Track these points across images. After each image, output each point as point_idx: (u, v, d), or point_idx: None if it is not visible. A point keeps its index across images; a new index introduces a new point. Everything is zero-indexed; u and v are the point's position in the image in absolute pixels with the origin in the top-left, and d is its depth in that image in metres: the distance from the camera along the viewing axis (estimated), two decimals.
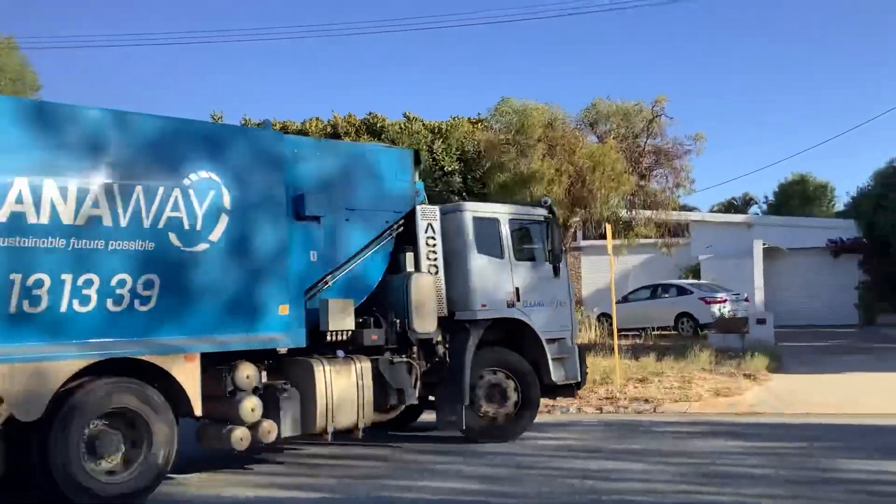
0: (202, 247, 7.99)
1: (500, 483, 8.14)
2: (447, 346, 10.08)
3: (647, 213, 21.27)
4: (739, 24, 69.44)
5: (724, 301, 23.40)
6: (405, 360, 9.53)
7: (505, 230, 10.65)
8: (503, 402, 10.34)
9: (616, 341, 15.46)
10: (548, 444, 10.22)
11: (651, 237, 23.00)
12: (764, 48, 69.14)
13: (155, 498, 7.62)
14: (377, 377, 9.19)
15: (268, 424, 8.33)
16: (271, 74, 74.73)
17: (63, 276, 7.12)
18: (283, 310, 8.55)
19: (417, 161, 10.31)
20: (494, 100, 24.55)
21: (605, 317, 23.10)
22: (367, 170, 9.67)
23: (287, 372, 8.77)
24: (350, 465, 9.29)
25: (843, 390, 13.73)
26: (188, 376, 7.76)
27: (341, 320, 8.90)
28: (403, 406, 9.63)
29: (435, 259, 10.02)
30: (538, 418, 11.02)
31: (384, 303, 9.58)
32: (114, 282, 7.40)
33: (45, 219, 7.07)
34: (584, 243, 29.53)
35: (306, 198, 8.81)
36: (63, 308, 7.13)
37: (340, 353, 9.01)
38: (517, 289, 10.55)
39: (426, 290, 9.61)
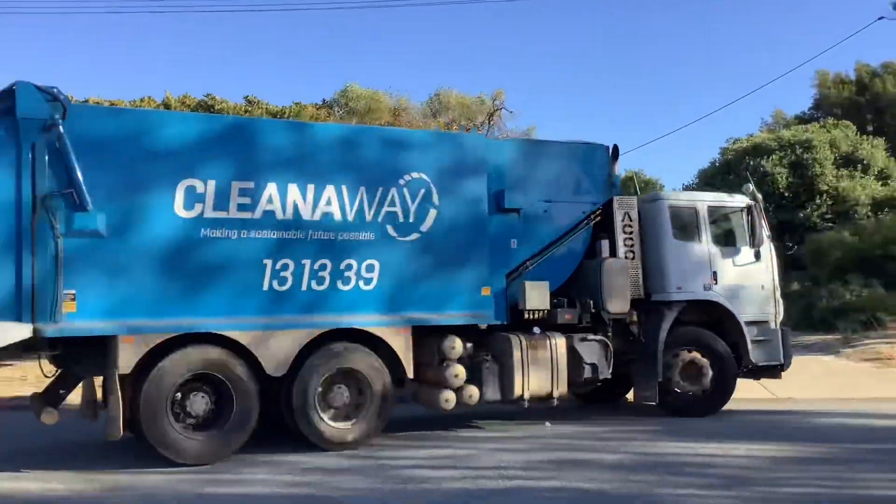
0: (414, 236, 9.44)
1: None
2: (642, 326, 10.82)
3: None
4: (578, 23, 68.09)
5: None
6: (599, 338, 10.41)
7: (703, 217, 11.16)
8: (699, 379, 10.91)
9: None
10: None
11: None
12: (602, 46, 68.62)
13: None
14: (571, 352, 10.18)
15: (471, 389, 9.65)
16: (91, 48, 66.55)
17: (303, 261, 8.89)
18: (485, 291, 9.80)
19: (615, 155, 11.08)
20: (338, 86, 24.67)
21: None
22: (564, 165, 10.66)
23: (489, 345, 10.01)
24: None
25: None
26: (402, 346, 9.26)
27: (537, 301, 9.99)
28: (598, 380, 10.53)
29: (632, 245, 10.80)
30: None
31: (580, 286, 10.54)
32: (342, 266, 9.06)
33: (289, 215, 8.87)
34: None
35: (506, 193, 10.00)
36: (303, 287, 8.89)
37: (537, 329, 10.08)
38: (714, 273, 11.04)
39: (618, 273, 10.43)
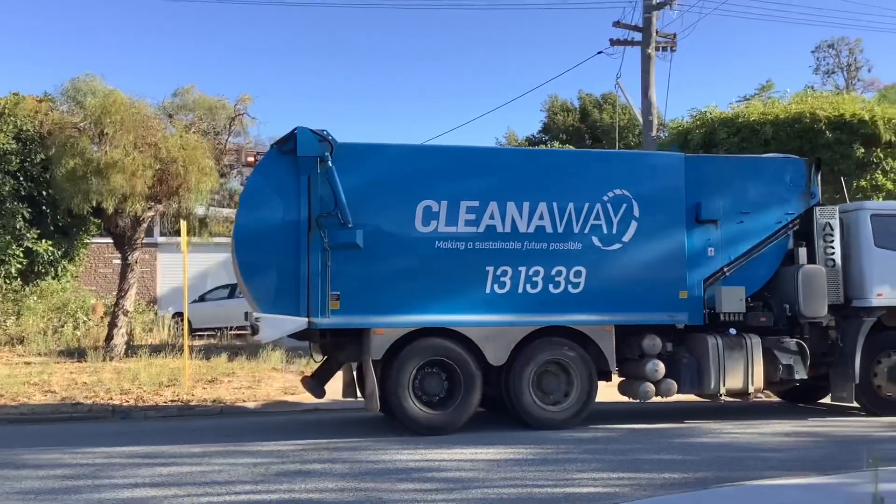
0: (616, 246, 10.72)
1: None
2: (840, 330, 11.37)
3: (227, 211, 19.88)
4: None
5: None
6: (794, 340, 11.10)
7: None
8: None
9: (186, 341, 14.65)
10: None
11: (229, 236, 20.83)
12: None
13: None
14: (767, 353, 10.98)
15: (669, 382, 10.79)
16: None
17: (519, 268, 10.45)
18: (683, 294, 10.87)
19: (818, 168, 11.66)
20: (66, 78, 21.84)
21: (179, 316, 21.82)
22: (760, 178, 11.43)
23: (687, 343, 11.07)
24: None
25: None
26: (606, 341, 10.58)
27: (733, 304, 10.88)
28: (795, 380, 11.22)
29: (832, 253, 11.36)
30: None
31: (778, 291, 11.28)
32: (553, 272, 10.53)
33: (507, 229, 10.47)
34: (161, 239, 28.24)
35: (702, 205, 10.97)
36: (520, 290, 10.45)
37: (732, 330, 10.97)
38: None
39: (816, 279, 11.07)
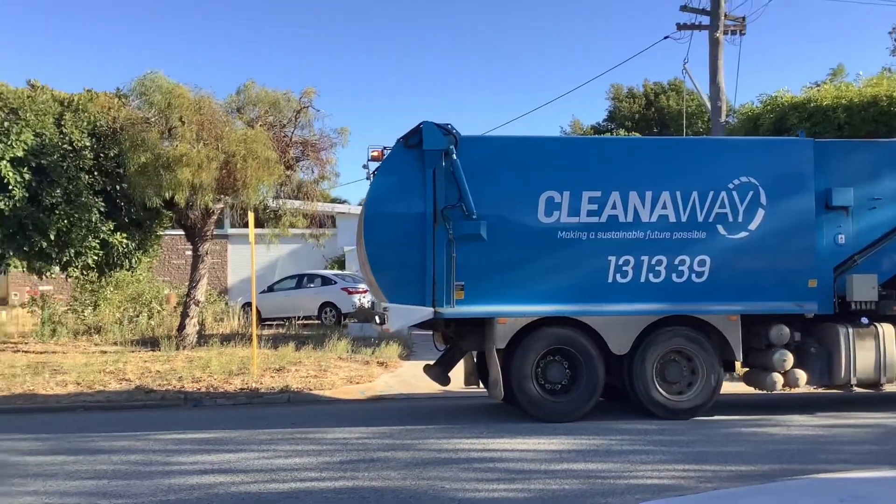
0: (742, 235, 10.52)
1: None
2: None
3: (296, 203, 19.70)
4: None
5: (365, 291, 22.40)
6: None
7: None
8: None
9: (255, 331, 14.76)
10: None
11: (299, 227, 20.56)
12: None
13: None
14: None
15: (798, 373, 10.58)
16: None
17: (642, 258, 10.39)
18: (812, 283, 10.60)
19: None
20: (134, 74, 21.52)
21: (249, 306, 22.46)
22: (891, 164, 10.99)
23: (816, 333, 10.81)
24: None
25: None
26: (731, 331, 10.43)
27: (864, 293, 10.57)
28: None
29: None
30: None
31: None
32: (676, 261, 10.42)
33: (629, 219, 10.41)
34: (231, 231, 29.28)
35: (832, 191, 10.65)
36: (642, 279, 10.38)
37: (864, 319, 10.66)
38: None
39: None
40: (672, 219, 10.46)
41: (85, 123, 18.09)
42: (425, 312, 10.07)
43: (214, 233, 21.07)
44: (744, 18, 21.91)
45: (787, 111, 18.14)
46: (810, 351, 10.67)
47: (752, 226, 10.54)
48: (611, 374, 10.61)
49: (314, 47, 74.23)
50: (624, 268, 10.37)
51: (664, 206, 10.45)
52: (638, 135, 33.68)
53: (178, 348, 17.80)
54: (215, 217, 19.55)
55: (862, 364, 10.55)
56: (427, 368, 11.48)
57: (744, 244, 10.53)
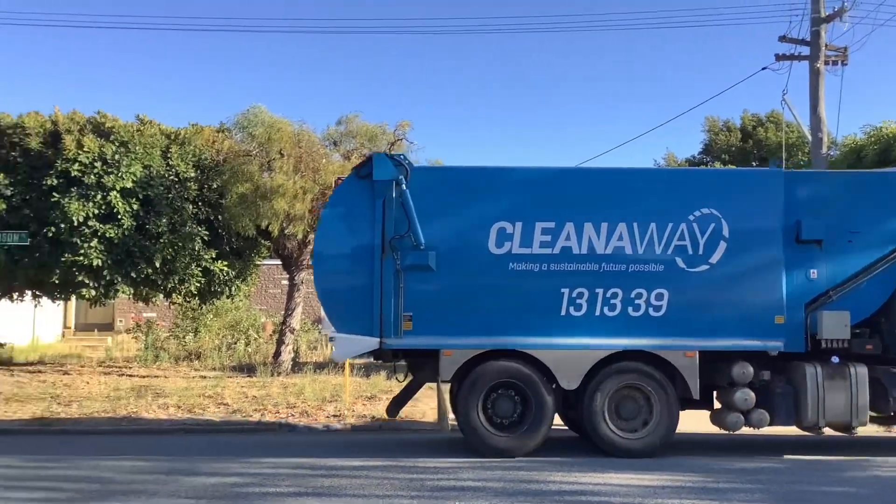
0: (703, 268, 10.16)
1: None
2: None
3: None
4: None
5: None
6: None
7: None
8: None
9: (348, 360, 13.64)
10: None
11: None
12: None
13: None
14: (874, 383, 10.04)
15: (761, 413, 10.13)
16: None
17: (597, 290, 10.17)
18: (779, 319, 10.12)
19: None
20: (235, 110, 22.25)
21: None
22: (872, 195, 10.40)
23: (783, 371, 10.32)
24: None
25: None
26: (687, 368, 10.08)
27: (835, 330, 10.01)
28: None
29: None
30: None
31: (892, 316, 10.26)
32: (633, 294, 10.16)
33: (584, 250, 10.22)
34: None
35: (802, 224, 10.14)
36: (596, 312, 10.17)
37: (835, 358, 10.11)
38: None
39: None
40: (628, 250, 10.21)
41: (190, 156, 19.29)
42: (371, 343, 10.17)
43: (310, 262, 21.60)
44: (845, 48, 21.18)
45: (892, 142, 17.42)
46: (776, 391, 10.20)
47: (714, 259, 10.17)
48: (572, 409, 10.42)
49: (414, 81, 75.85)
50: (578, 300, 10.19)
51: (620, 238, 10.22)
52: (733, 166, 32.94)
53: (273, 375, 18.69)
54: (311, 247, 19.73)
55: (831, 406, 10.02)
56: (389, 405, 11.48)
57: (704, 278, 10.18)
